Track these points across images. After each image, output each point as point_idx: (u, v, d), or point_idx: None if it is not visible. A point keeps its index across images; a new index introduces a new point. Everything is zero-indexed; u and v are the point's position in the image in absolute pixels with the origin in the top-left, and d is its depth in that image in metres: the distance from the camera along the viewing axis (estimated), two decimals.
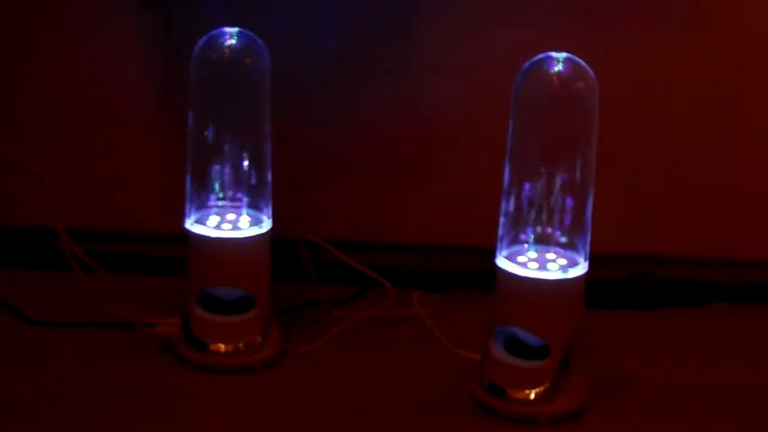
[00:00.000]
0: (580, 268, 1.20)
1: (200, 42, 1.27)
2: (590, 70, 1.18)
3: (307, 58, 1.46)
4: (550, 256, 1.21)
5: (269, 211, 1.30)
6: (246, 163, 1.29)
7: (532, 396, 1.20)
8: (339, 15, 1.46)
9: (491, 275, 1.21)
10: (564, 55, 1.18)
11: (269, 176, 1.30)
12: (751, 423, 1.23)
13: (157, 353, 1.29)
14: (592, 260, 1.21)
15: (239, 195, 1.30)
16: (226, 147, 1.28)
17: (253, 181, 1.30)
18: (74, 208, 1.44)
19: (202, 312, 1.28)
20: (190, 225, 1.28)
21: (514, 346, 1.21)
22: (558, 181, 1.19)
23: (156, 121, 1.49)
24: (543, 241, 1.21)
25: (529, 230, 1.21)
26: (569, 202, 1.20)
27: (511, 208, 1.21)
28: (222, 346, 1.28)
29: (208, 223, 1.29)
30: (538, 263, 1.20)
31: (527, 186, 1.20)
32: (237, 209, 1.30)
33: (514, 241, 1.22)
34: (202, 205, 1.30)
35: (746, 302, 1.49)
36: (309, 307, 1.40)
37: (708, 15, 1.45)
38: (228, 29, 1.27)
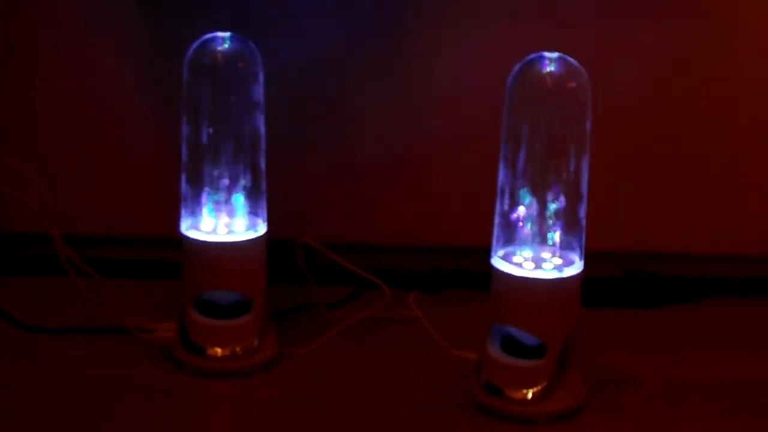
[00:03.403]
0: (576, 267, 1.20)
1: (193, 46, 1.27)
2: (583, 69, 1.18)
3: (301, 62, 1.46)
4: (546, 255, 1.21)
5: (264, 214, 1.30)
6: (240, 166, 1.29)
7: (530, 395, 1.20)
8: (332, 19, 1.46)
9: (487, 275, 1.21)
10: (556, 54, 1.18)
11: (264, 179, 1.30)
12: (750, 416, 1.23)
13: (154, 358, 1.29)
14: (588, 258, 1.21)
15: (234, 199, 1.30)
16: (220, 151, 1.28)
17: (248, 185, 1.30)
18: (69, 214, 1.44)
19: (198, 316, 1.28)
20: (186, 229, 1.28)
21: (511, 345, 1.21)
22: (552, 180, 1.19)
23: (150, 126, 1.49)
24: (538, 241, 1.21)
25: (525, 230, 1.21)
26: (564, 200, 1.20)
27: (506, 207, 1.21)
28: (219, 350, 1.28)
29: (203, 227, 1.29)
30: (533, 263, 1.20)
31: (521, 185, 1.20)
32: (232, 213, 1.30)
33: (510, 240, 1.22)
34: (197, 210, 1.30)
35: (741, 297, 1.49)
36: (305, 309, 1.40)
37: (703, 12, 1.45)
38: (221, 33, 1.27)
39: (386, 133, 1.48)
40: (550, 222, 1.20)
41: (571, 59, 1.18)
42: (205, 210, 1.30)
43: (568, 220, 1.20)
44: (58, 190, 1.39)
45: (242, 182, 1.29)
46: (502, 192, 1.21)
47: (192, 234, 1.28)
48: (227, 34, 1.27)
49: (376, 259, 1.43)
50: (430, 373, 1.28)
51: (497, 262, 1.20)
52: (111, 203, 1.52)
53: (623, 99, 1.45)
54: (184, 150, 1.28)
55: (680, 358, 1.34)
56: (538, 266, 1.20)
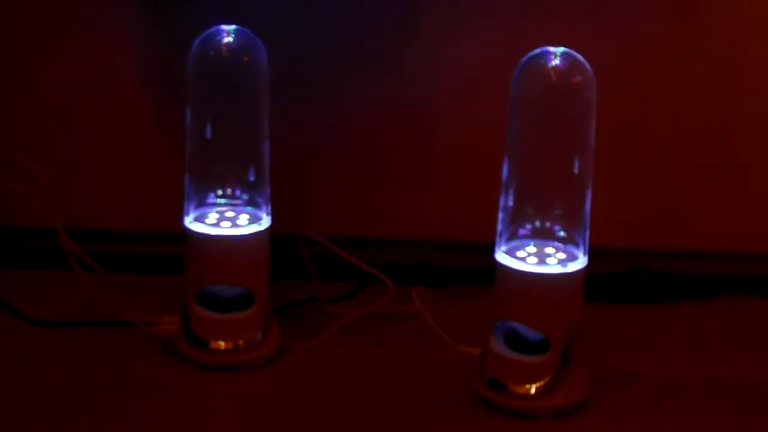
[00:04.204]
0: (580, 263, 1.20)
1: (197, 40, 1.27)
2: (587, 64, 1.18)
3: (305, 56, 1.46)
4: (550, 250, 1.21)
5: (268, 208, 1.30)
6: (244, 160, 1.29)
7: (533, 390, 1.20)
8: (336, 12, 1.46)
9: (490, 270, 1.21)
10: (561, 49, 1.18)
11: (267, 173, 1.30)
12: (752, 415, 1.23)
13: (157, 352, 1.29)
14: (591, 254, 1.21)
15: (238, 192, 1.30)
16: (224, 145, 1.28)
17: (252, 179, 1.30)
18: (73, 207, 1.45)
19: (201, 310, 1.28)
20: (189, 223, 1.28)
21: (514, 340, 1.21)
22: (556, 176, 1.19)
23: (154, 119, 1.49)
24: (542, 236, 1.21)
25: (528, 225, 1.21)
26: (568, 196, 1.20)
27: (510, 202, 1.21)
28: (222, 344, 1.28)
29: (207, 220, 1.29)
30: (537, 258, 1.20)
31: (526, 180, 1.20)
32: (236, 207, 1.30)
33: (513, 235, 1.22)
34: (200, 203, 1.30)
35: (746, 295, 1.49)
36: (308, 303, 1.40)
37: (704, 8, 1.45)
38: (225, 27, 1.27)
39: (391, 126, 1.48)
40: (555, 217, 1.20)
41: (575, 54, 1.18)
42: (208, 203, 1.30)
43: (572, 215, 1.20)
44: (62, 184, 1.39)
45: (246, 176, 1.29)
46: (506, 187, 1.21)
47: (195, 227, 1.27)
48: (232, 27, 1.27)
49: (380, 253, 1.43)
50: (433, 368, 1.28)
51: (501, 257, 1.20)
52: (114, 197, 1.52)
53: (627, 95, 1.45)
54: (188, 143, 1.28)
55: (684, 355, 1.34)
56: (541, 261, 1.20)
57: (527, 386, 1.20)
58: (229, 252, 1.27)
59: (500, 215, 1.22)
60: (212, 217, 1.29)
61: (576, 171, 1.20)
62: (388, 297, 1.37)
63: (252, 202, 1.30)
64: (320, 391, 1.25)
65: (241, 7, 1.44)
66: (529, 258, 1.20)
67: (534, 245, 1.21)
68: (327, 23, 1.46)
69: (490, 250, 1.22)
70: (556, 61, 1.18)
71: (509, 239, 1.22)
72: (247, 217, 1.30)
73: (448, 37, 1.46)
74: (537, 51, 1.19)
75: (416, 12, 1.45)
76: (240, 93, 1.28)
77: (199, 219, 1.29)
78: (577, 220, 1.21)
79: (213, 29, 1.27)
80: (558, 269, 1.19)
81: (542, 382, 1.19)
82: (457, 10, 1.45)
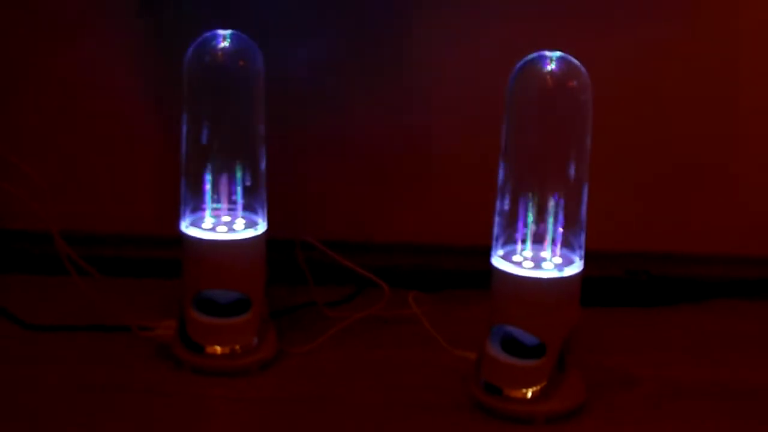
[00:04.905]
0: (576, 267, 1.20)
1: (194, 44, 1.27)
2: (583, 69, 1.18)
3: (302, 60, 1.46)
4: (546, 254, 1.21)
5: (264, 212, 1.30)
6: (240, 165, 1.29)
7: (529, 395, 1.20)
8: (333, 16, 1.46)
9: (487, 274, 1.21)
10: (557, 53, 1.18)
11: (264, 178, 1.30)
12: (752, 418, 1.23)
13: (153, 356, 1.29)
14: (588, 258, 1.21)
15: (234, 197, 1.30)
16: (220, 149, 1.28)
17: (248, 183, 1.29)
18: (69, 212, 1.44)
19: (198, 314, 1.28)
20: (186, 228, 1.28)
21: (511, 345, 1.21)
22: (552, 180, 1.19)
23: (150, 124, 1.49)
24: (538, 240, 1.21)
25: (524, 229, 1.21)
26: (564, 200, 1.20)
27: (506, 207, 1.21)
28: (218, 349, 1.28)
29: (203, 225, 1.28)
30: (533, 262, 1.20)
31: (522, 185, 1.20)
32: (232, 211, 1.30)
33: (510, 240, 1.22)
34: (197, 208, 1.30)
35: (743, 298, 1.48)
36: (305, 308, 1.40)
37: (703, 12, 1.45)
38: (221, 31, 1.27)
39: (386, 131, 1.48)
40: (551, 221, 1.20)
41: (571, 58, 1.18)
42: (205, 208, 1.29)
43: (568, 219, 1.20)
44: (58, 188, 1.39)
45: (242, 180, 1.29)
46: (502, 191, 1.21)
47: (192, 232, 1.27)
48: (228, 32, 1.27)
49: (376, 258, 1.43)
50: (429, 373, 1.28)
51: (497, 262, 1.20)
52: (111, 201, 1.52)
53: (624, 98, 1.44)
54: (185, 148, 1.28)
55: (680, 359, 1.34)
56: (537, 266, 1.19)
57: (523, 390, 1.20)
58: (226, 257, 1.27)
59: (496, 219, 1.22)
60: (209, 221, 1.29)
61: (572, 175, 1.19)
62: (384, 301, 1.37)
63: (248, 207, 1.30)
64: (317, 395, 1.24)
65: (238, 11, 1.44)
66: (525, 262, 1.20)
67: (530, 249, 1.21)
68: (324, 27, 1.46)
69: (487, 254, 1.21)
70: (552, 65, 1.18)
71: (505, 243, 1.22)
72: (244, 221, 1.29)
73: (444, 41, 1.46)
74: (533, 55, 1.18)
75: (414, 16, 1.45)
76: (236, 97, 1.28)
77: (196, 223, 1.29)
78: (573, 224, 1.20)
79: (209, 34, 1.27)
80: (554, 273, 1.19)
81: (538, 387, 1.19)
82: (454, 14, 1.45)
